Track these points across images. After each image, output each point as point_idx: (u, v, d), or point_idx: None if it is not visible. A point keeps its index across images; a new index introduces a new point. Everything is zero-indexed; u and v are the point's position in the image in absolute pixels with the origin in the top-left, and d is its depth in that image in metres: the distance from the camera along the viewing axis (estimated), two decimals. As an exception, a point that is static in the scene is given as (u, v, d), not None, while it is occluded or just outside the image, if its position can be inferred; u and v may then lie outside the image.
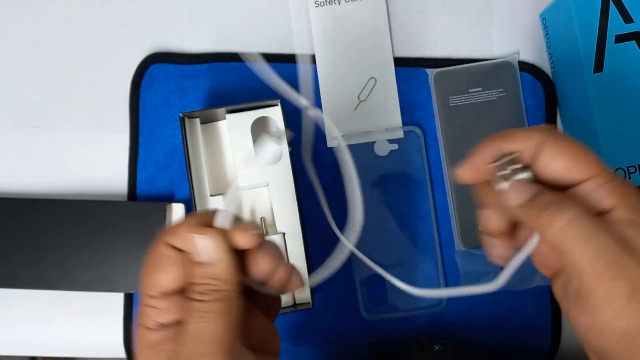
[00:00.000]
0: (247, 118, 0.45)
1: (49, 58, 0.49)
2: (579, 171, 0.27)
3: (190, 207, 0.48)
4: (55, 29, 0.50)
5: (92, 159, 0.49)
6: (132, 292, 0.47)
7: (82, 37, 0.49)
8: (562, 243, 0.26)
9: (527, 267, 0.45)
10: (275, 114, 0.45)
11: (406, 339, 0.45)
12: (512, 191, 0.28)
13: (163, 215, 0.46)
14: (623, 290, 0.24)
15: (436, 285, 0.47)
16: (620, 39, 0.43)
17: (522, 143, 0.29)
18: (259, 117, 0.45)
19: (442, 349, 0.43)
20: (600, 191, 0.27)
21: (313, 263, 0.44)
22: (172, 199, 0.48)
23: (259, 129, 0.47)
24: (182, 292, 0.29)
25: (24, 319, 0.48)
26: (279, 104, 0.44)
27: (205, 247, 0.29)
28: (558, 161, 0.28)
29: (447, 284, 0.47)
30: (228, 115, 0.45)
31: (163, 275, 0.29)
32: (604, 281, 0.25)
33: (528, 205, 0.27)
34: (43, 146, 0.49)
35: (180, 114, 0.43)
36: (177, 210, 0.47)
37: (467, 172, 0.30)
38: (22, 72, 0.50)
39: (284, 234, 0.45)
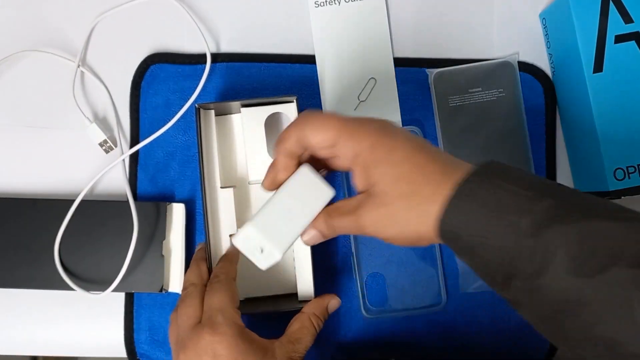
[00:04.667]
0: (262, 113, 0.45)
1: (49, 58, 0.49)
2: (328, 138, 0.35)
3: (191, 207, 0.48)
4: (56, 28, 0.50)
5: (92, 159, 0.49)
6: (132, 292, 0.47)
7: (82, 37, 0.49)
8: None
9: (467, 274, 0.47)
10: (290, 111, 0.45)
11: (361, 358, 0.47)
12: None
13: (163, 215, 0.46)
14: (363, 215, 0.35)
15: (436, 284, 0.47)
16: (620, 39, 0.43)
17: (298, 133, 0.36)
18: (273, 113, 0.45)
19: None
20: (347, 144, 0.34)
21: (318, 259, 0.44)
22: (172, 199, 0.48)
23: (273, 124, 0.47)
24: None
25: (24, 319, 0.48)
26: (295, 100, 0.44)
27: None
28: (317, 138, 0.35)
29: (446, 284, 0.47)
30: (243, 109, 0.45)
31: None
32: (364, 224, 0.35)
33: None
34: (43, 146, 0.49)
35: (197, 105, 0.44)
36: (177, 210, 0.47)
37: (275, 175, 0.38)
38: (22, 72, 0.50)
39: None
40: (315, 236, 0.37)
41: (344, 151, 0.34)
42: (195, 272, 0.42)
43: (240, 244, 0.36)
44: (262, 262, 0.36)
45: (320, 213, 0.37)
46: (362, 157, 0.34)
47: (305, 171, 0.37)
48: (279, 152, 0.37)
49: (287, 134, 0.36)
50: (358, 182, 0.35)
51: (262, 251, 0.36)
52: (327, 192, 0.37)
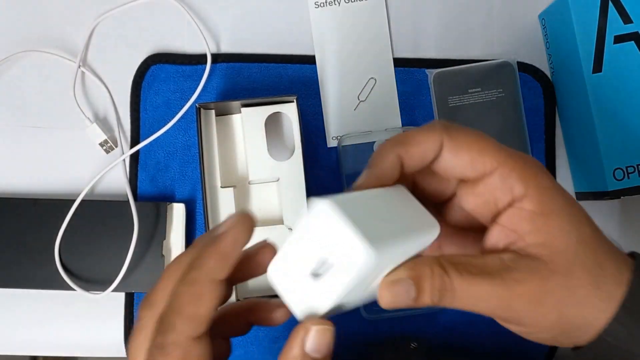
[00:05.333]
0: (262, 113, 0.45)
1: (50, 58, 0.49)
2: (481, 165, 0.26)
3: (191, 207, 0.48)
4: (56, 29, 0.50)
5: (93, 159, 0.49)
6: (132, 292, 0.47)
7: (83, 37, 0.49)
8: (463, 308, 0.26)
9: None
10: (290, 111, 0.45)
11: (382, 340, 0.46)
12: (396, 300, 0.25)
13: (163, 215, 0.46)
14: (525, 312, 0.25)
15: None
16: (619, 39, 0.43)
17: (420, 146, 0.27)
18: (274, 113, 0.45)
19: (417, 346, 0.44)
20: (509, 180, 0.26)
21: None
22: (172, 199, 0.48)
23: (273, 124, 0.47)
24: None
25: (24, 319, 0.48)
26: (295, 100, 0.44)
27: (322, 343, 0.26)
28: (458, 158, 0.27)
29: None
30: (243, 109, 0.45)
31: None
32: (507, 315, 0.26)
33: (417, 303, 0.25)
34: (43, 146, 0.49)
35: (197, 105, 0.44)
36: (178, 210, 0.47)
37: (370, 182, 0.27)
38: (22, 72, 0.50)
39: (290, 229, 0.45)
40: (403, 295, 0.25)
41: (496, 187, 0.26)
42: (161, 291, 0.26)
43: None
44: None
45: (421, 259, 0.26)
46: (529, 201, 0.25)
47: (404, 191, 0.28)
48: (389, 150, 0.27)
49: (416, 138, 0.27)
50: (503, 235, 0.26)
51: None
52: (434, 226, 0.27)
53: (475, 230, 0.29)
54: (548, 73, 0.49)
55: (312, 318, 0.25)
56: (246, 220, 0.25)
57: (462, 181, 0.28)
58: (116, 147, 0.49)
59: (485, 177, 0.26)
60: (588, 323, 0.25)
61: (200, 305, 0.24)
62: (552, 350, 0.47)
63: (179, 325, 0.24)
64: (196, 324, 0.24)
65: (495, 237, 0.27)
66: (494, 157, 0.26)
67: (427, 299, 0.25)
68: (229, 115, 0.47)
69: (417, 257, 0.26)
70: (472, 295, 0.25)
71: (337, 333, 0.47)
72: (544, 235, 0.25)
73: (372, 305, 0.47)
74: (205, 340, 0.24)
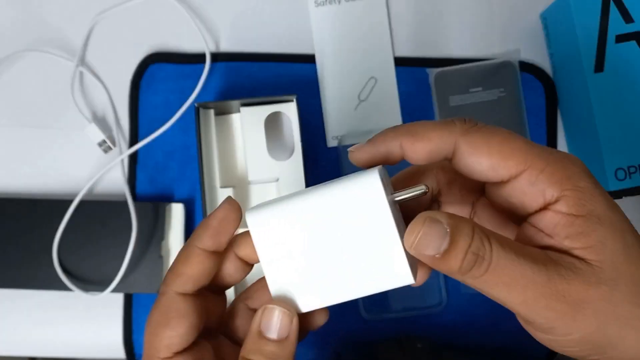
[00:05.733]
0: (261, 112, 0.45)
1: (48, 57, 0.49)
2: (506, 168, 0.24)
3: (190, 207, 0.48)
4: (55, 28, 0.50)
5: (91, 159, 0.49)
6: (131, 292, 0.47)
7: (81, 36, 0.49)
8: (490, 290, 0.23)
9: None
10: (290, 110, 0.45)
11: (386, 339, 0.45)
12: (423, 242, 0.22)
13: (162, 215, 0.46)
14: (561, 314, 0.22)
15: (436, 283, 0.47)
16: (620, 38, 0.43)
17: (429, 144, 0.25)
18: (273, 112, 0.45)
19: (423, 346, 0.43)
20: (538, 184, 0.23)
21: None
22: (172, 199, 0.48)
23: (273, 123, 0.47)
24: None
25: (24, 319, 0.48)
26: (295, 100, 0.44)
27: (283, 325, 0.26)
28: (480, 162, 0.24)
29: (446, 284, 0.47)
30: (242, 109, 0.45)
31: (173, 331, 0.26)
32: (540, 313, 0.22)
33: (442, 260, 0.22)
34: (41, 146, 0.49)
35: (196, 104, 0.44)
36: (177, 211, 0.47)
37: (362, 155, 0.27)
38: (20, 72, 0.49)
39: None
40: (434, 239, 0.22)
41: (524, 192, 0.24)
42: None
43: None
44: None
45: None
46: (565, 203, 0.23)
47: (380, 202, 0.24)
48: (392, 136, 0.26)
49: (426, 133, 0.25)
50: (538, 236, 0.24)
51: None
52: (402, 276, 0.24)
53: (516, 216, 0.26)
54: (549, 72, 0.49)
55: (279, 300, 0.26)
56: (232, 203, 0.28)
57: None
58: (115, 146, 0.48)
59: (512, 181, 0.24)
60: (626, 345, 0.23)
61: (187, 266, 0.27)
62: (552, 350, 0.47)
63: (168, 279, 0.27)
64: (182, 281, 0.27)
65: (529, 237, 0.24)
66: (521, 160, 0.23)
67: (458, 261, 0.22)
68: (228, 115, 0.47)
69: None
70: (509, 274, 0.22)
71: (338, 333, 0.47)
72: (587, 240, 0.22)
73: (372, 306, 0.47)
74: (191, 299, 0.27)
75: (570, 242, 0.23)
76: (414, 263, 0.25)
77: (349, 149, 0.27)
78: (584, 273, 0.22)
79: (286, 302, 0.26)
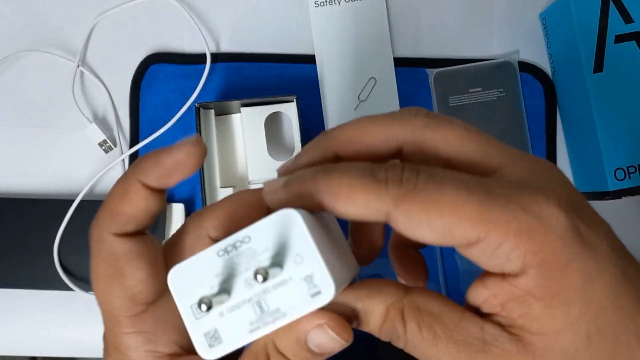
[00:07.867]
0: (262, 112, 0.45)
1: (49, 57, 0.49)
2: (453, 242, 0.19)
3: (190, 207, 0.48)
4: (55, 28, 0.50)
5: (92, 159, 0.49)
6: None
7: (82, 37, 0.49)
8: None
9: (467, 274, 0.44)
10: (290, 110, 0.45)
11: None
12: None
13: (163, 215, 0.46)
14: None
15: (436, 284, 0.47)
16: (620, 39, 0.43)
17: (359, 210, 0.20)
18: (273, 112, 0.45)
19: None
20: (495, 259, 0.19)
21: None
22: (172, 199, 0.48)
23: (273, 124, 0.47)
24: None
25: (22, 319, 0.48)
26: (295, 100, 0.44)
27: (332, 344, 0.21)
28: (422, 237, 0.19)
29: (446, 283, 0.47)
30: (243, 109, 0.45)
31: (132, 279, 0.22)
32: None
33: None
34: (42, 146, 0.49)
35: (196, 104, 0.44)
36: (177, 211, 0.47)
37: (276, 199, 0.22)
38: (21, 72, 0.50)
39: None
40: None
41: (481, 261, 0.19)
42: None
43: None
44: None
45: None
46: (525, 280, 0.19)
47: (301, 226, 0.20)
48: (305, 181, 0.21)
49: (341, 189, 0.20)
50: (489, 301, 0.20)
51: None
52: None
53: None
54: (549, 72, 0.49)
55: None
56: (198, 144, 0.21)
57: None
58: (115, 147, 0.48)
59: (468, 248, 0.19)
60: None
61: (127, 203, 0.21)
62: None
63: (102, 220, 0.22)
64: (121, 220, 0.22)
65: (480, 298, 0.20)
66: (474, 232, 0.18)
67: (374, 331, 0.22)
68: (228, 115, 0.47)
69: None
70: (427, 357, 0.20)
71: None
72: (539, 325, 0.19)
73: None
74: (136, 240, 0.22)
75: (522, 322, 0.19)
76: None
77: (262, 187, 0.22)
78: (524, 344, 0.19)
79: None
